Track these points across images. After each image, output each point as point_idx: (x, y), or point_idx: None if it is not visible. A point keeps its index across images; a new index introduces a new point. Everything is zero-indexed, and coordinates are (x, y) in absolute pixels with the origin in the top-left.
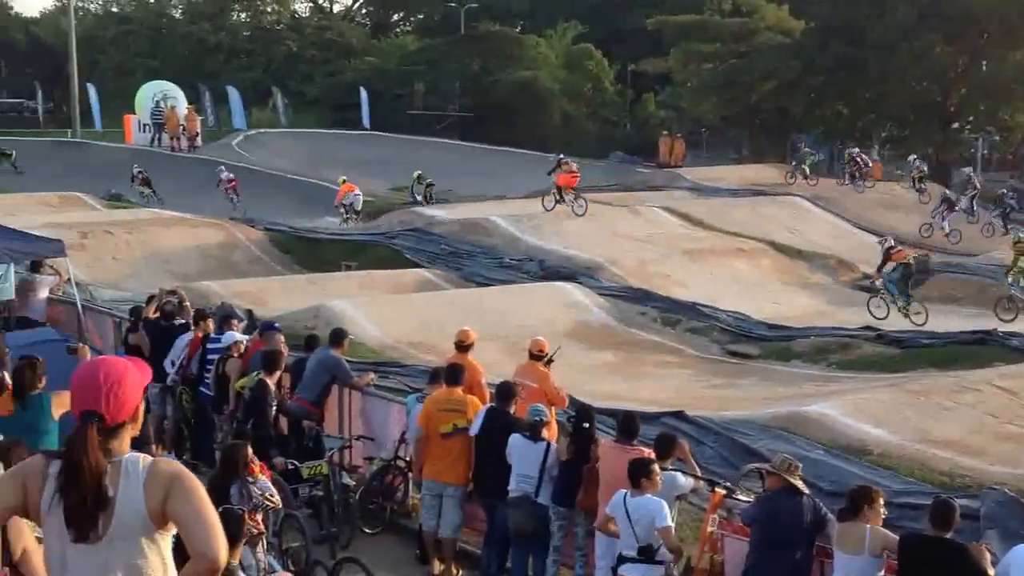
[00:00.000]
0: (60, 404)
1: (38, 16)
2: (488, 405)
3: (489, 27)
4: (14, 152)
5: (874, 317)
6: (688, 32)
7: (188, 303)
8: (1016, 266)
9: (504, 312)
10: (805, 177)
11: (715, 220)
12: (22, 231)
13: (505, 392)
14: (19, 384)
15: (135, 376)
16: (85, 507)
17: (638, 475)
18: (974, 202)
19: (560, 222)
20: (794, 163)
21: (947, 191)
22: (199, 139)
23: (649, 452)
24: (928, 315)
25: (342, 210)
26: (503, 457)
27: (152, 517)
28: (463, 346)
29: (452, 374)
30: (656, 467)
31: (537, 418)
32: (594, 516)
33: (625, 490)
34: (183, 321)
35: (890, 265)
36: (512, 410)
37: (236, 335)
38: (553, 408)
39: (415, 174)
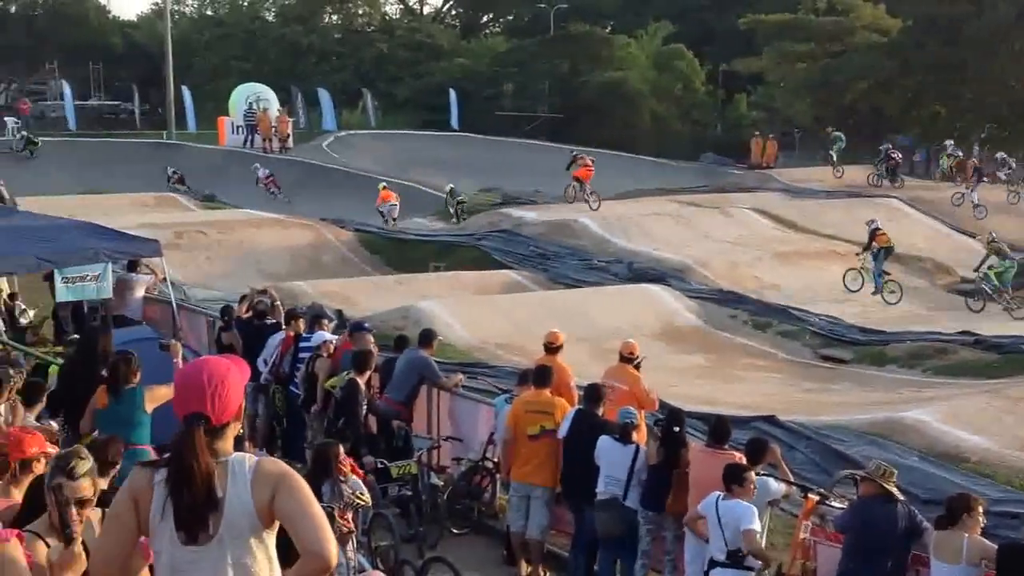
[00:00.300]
0: (153, 398)
1: (135, 19)
2: (576, 407)
3: (579, 27)
4: (40, 141)
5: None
6: (782, 31)
7: (279, 303)
8: (986, 263)
9: (592, 314)
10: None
11: (808, 222)
12: (120, 231)
13: (593, 394)
14: (114, 378)
15: (237, 376)
16: (196, 509)
17: (731, 480)
18: None
19: (649, 224)
20: (876, 163)
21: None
22: (290, 140)
23: (740, 457)
24: (903, 294)
25: (380, 215)
26: (591, 459)
27: (260, 516)
28: (552, 348)
29: (541, 376)
30: (751, 475)
31: (627, 420)
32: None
33: (719, 492)
34: (274, 320)
35: (873, 248)
36: (600, 412)
37: (326, 335)
38: (642, 411)
39: (447, 187)
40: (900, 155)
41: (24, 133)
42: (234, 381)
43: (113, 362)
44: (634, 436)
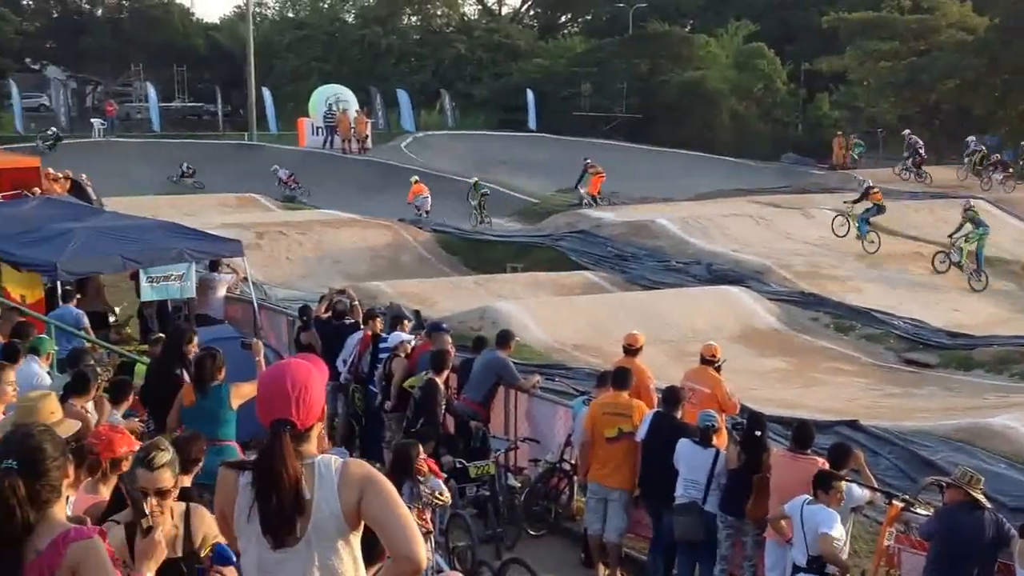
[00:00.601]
0: (238, 395)
1: (218, 22)
2: (655, 410)
3: (658, 27)
4: (61, 138)
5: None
6: (865, 29)
7: (357, 303)
8: (960, 231)
9: (670, 316)
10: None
11: (892, 223)
12: (203, 231)
13: (672, 397)
14: (200, 375)
15: (318, 378)
16: (283, 514)
17: (819, 485)
18: None
19: (729, 224)
20: (965, 161)
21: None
22: (369, 141)
23: (823, 462)
24: (880, 243)
25: (415, 209)
26: (670, 462)
27: (346, 518)
28: (632, 350)
29: (620, 378)
30: (841, 483)
31: (708, 423)
32: (764, 526)
33: (807, 496)
34: (353, 320)
35: (864, 203)
36: (679, 415)
37: (403, 335)
38: (723, 415)
39: (472, 180)
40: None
41: (54, 129)
42: (316, 384)
43: (199, 359)
44: (714, 440)
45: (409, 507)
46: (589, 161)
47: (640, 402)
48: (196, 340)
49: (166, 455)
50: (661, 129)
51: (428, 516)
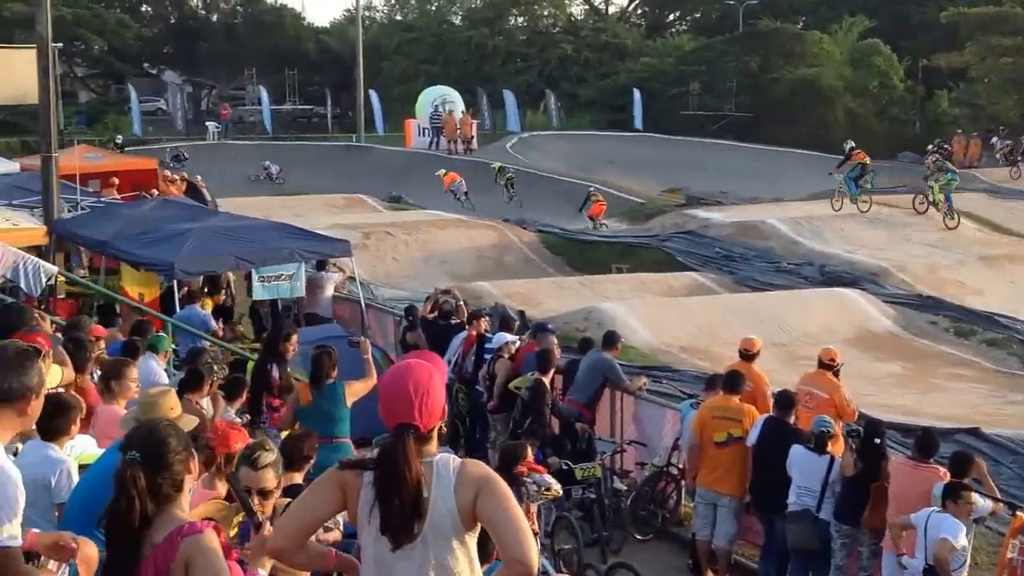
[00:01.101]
0: (351, 393)
1: (328, 26)
2: (767, 415)
3: (769, 24)
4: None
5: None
6: (986, 25)
7: (462, 303)
8: (931, 177)
9: (781, 318)
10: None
11: (1016, 224)
12: (312, 231)
13: (785, 401)
14: (317, 373)
15: (438, 380)
16: (404, 515)
17: (948, 495)
18: None
19: (843, 225)
20: None
21: None
22: (474, 142)
23: (944, 472)
24: (872, 204)
25: (451, 195)
26: (782, 468)
27: (462, 518)
28: (748, 355)
29: (731, 382)
30: (971, 495)
31: (823, 429)
32: (881, 535)
33: (934, 508)
34: (459, 321)
35: (849, 165)
36: (792, 420)
37: (507, 336)
38: (839, 421)
39: (495, 165)
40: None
41: (177, 147)
42: (438, 386)
43: (316, 357)
44: (829, 446)
45: None
46: (593, 190)
47: (751, 407)
48: (295, 339)
49: (270, 455)
50: (772, 128)
51: (534, 514)
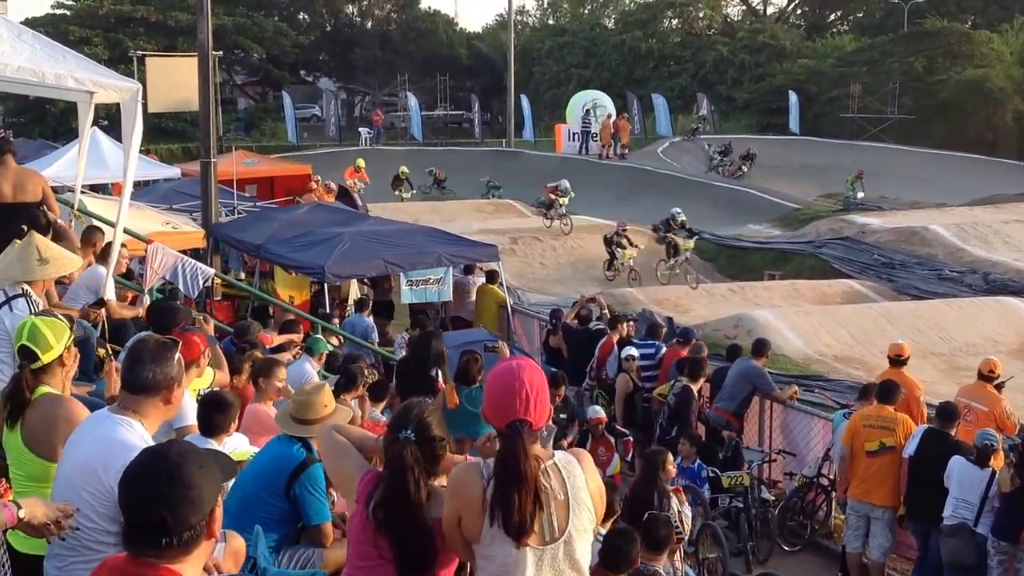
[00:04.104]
0: None
1: (480, 31)
2: (926, 426)
3: (936, 23)
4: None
5: None
6: None
7: (606, 310)
8: None
9: (943, 328)
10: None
11: None
12: (460, 236)
13: (947, 413)
14: (464, 378)
15: (543, 377)
16: (524, 512)
17: None
18: None
19: (1011, 232)
20: None
21: None
22: (627, 147)
23: None
24: None
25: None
26: (940, 481)
27: (596, 510)
28: (898, 361)
29: (885, 391)
30: None
31: (987, 442)
32: None
33: None
34: (601, 326)
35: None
36: (953, 432)
37: (631, 349)
38: (1001, 435)
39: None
40: None
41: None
42: (545, 384)
43: (463, 362)
44: (991, 460)
45: (666, 516)
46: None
47: (906, 416)
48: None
49: None
50: (936, 130)
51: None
